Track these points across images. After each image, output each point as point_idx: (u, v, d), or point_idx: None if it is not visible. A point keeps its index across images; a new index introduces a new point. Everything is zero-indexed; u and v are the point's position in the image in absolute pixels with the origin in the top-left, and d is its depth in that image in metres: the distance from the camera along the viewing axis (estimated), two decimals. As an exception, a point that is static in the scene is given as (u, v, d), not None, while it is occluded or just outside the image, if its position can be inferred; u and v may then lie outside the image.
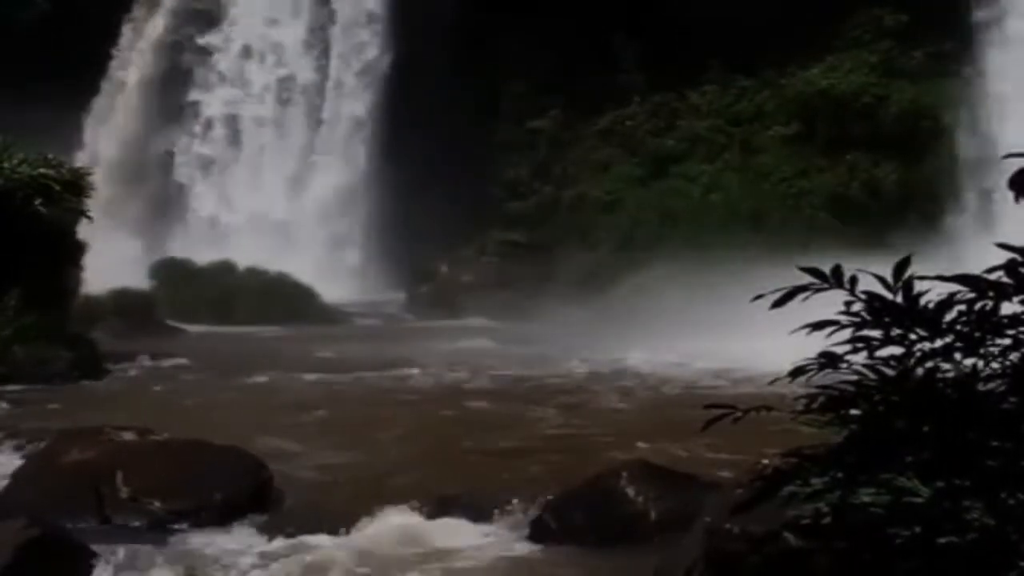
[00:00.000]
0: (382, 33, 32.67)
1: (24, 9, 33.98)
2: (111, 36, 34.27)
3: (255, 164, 33.06)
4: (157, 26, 34.34)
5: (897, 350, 3.28)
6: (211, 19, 33.98)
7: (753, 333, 11.59)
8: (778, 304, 3.35)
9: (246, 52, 33.72)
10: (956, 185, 25.53)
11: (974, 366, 3.25)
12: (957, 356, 3.25)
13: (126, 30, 34.63)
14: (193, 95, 33.79)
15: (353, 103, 32.89)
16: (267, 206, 31.84)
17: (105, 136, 33.59)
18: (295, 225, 31.45)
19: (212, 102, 33.62)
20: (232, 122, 33.49)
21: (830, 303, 3.31)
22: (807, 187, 27.85)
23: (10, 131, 17.23)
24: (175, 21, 34.32)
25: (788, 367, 3.36)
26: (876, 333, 3.27)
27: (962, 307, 3.21)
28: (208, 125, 33.55)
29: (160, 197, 33.03)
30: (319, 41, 33.44)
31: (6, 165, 16.34)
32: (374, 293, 28.75)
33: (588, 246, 28.79)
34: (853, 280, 3.27)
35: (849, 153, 27.68)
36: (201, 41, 33.86)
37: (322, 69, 33.31)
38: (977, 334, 3.22)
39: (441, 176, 29.36)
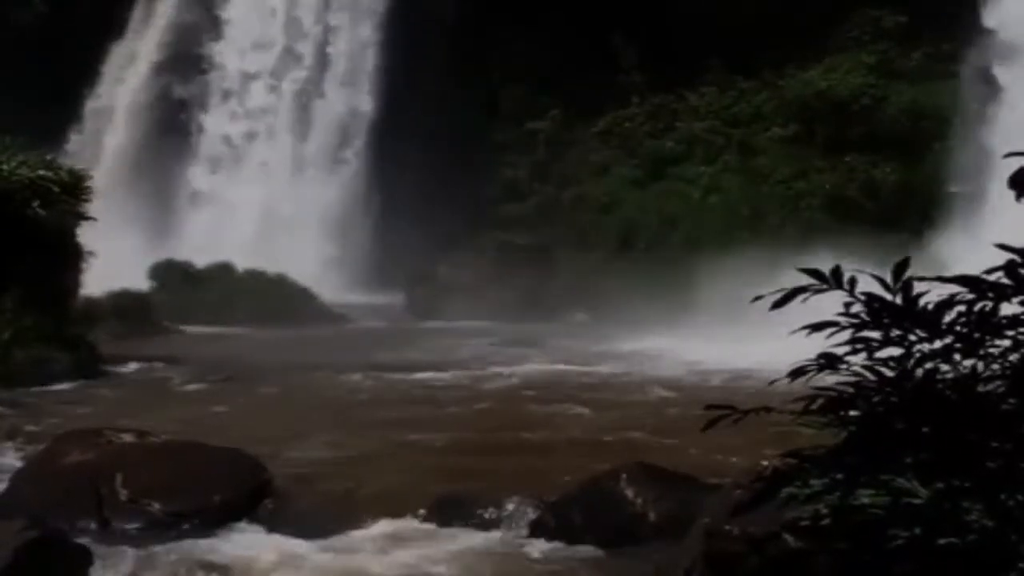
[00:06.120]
0: (382, 34, 32.67)
1: (21, 10, 33.99)
2: (108, 36, 34.27)
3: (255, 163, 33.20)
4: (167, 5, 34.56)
5: (896, 351, 3.28)
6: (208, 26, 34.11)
7: (753, 334, 11.61)
8: (778, 305, 3.35)
9: (245, 38, 33.79)
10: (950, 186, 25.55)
11: (973, 367, 3.25)
12: (956, 357, 3.25)
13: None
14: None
15: (352, 103, 32.89)
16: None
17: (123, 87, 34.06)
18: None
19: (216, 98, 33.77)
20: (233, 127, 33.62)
21: (831, 304, 3.32)
22: (806, 188, 27.85)
23: (8, 131, 17.20)
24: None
25: (788, 368, 3.35)
26: (875, 334, 3.27)
27: (961, 308, 3.21)
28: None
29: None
30: (319, 38, 33.46)
31: (4, 167, 16.30)
32: (373, 294, 28.75)
33: (587, 247, 28.79)
34: (852, 281, 3.27)
35: (848, 154, 27.69)
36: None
37: (321, 66, 33.33)
38: (976, 335, 3.22)
39: (440, 177, 29.37)
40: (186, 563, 7.98)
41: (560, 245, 29.09)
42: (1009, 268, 3.14)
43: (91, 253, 17.67)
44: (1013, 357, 3.22)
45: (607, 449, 10.72)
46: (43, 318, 16.06)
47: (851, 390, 3.29)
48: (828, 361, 3.30)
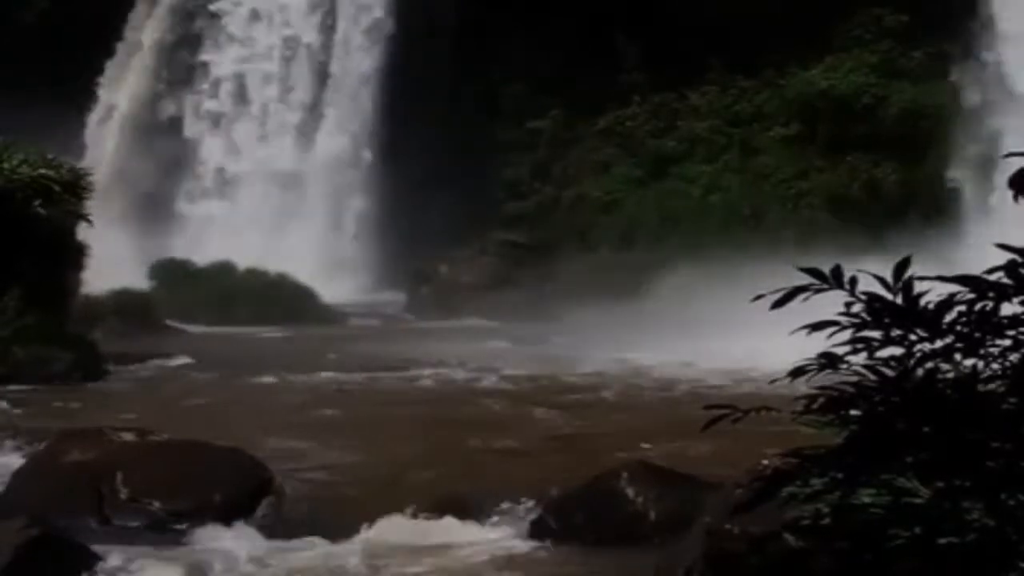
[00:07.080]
0: (383, 34, 32.67)
1: (23, 7, 33.96)
2: (110, 35, 34.25)
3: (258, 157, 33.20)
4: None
5: (897, 351, 3.27)
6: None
7: (753, 333, 11.60)
8: (778, 305, 3.35)
9: (243, 39, 33.76)
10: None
11: (974, 367, 3.25)
12: (957, 357, 3.25)
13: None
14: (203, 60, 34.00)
15: (352, 103, 32.89)
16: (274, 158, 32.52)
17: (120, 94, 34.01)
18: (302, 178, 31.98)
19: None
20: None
21: (832, 304, 3.31)
22: (807, 188, 27.87)
23: (9, 130, 17.19)
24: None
25: (788, 368, 3.35)
26: (876, 334, 3.27)
27: (962, 308, 3.21)
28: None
29: (170, 152, 33.39)
30: (318, 39, 33.46)
31: (6, 166, 16.29)
32: (374, 293, 28.76)
33: (588, 246, 28.80)
34: (853, 280, 3.27)
35: (849, 154, 27.70)
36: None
37: (320, 66, 33.33)
38: (977, 335, 3.22)
39: (441, 176, 29.37)
40: (186, 562, 7.98)
41: (561, 244, 29.09)
42: (1009, 268, 3.14)
43: (89, 248, 17.67)
44: (1014, 357, 3.22)
45: (606, 449, 10.72)
46: (44, 317, 16.06)
47: (852, 389, 3.29)
48: (829, 361, 3.30)
